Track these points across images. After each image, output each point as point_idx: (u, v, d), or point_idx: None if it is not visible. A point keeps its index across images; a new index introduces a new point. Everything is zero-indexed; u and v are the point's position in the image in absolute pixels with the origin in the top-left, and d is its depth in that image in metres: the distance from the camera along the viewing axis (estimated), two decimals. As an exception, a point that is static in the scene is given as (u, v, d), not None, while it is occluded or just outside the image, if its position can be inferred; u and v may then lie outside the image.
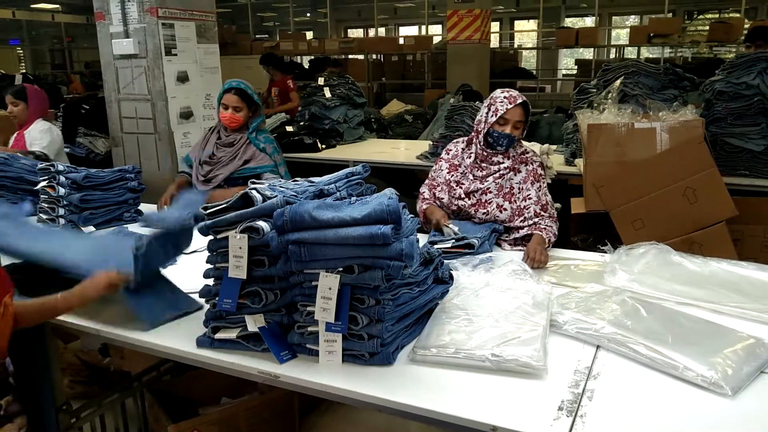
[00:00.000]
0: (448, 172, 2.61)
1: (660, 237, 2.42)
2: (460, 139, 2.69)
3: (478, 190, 2.53)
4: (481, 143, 2.52)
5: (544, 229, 2.41)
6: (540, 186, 2.53)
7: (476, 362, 1.50)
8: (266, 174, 3.10)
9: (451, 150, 2.67)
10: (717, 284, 1.92)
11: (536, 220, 2.45)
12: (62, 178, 2.72)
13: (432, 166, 2.76)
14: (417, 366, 1.54)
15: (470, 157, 2.56)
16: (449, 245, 2.29)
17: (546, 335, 1.60)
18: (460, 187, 2.55)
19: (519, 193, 2.51)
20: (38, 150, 3.66)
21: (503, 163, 2.52)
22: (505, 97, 2.46)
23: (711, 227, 2.85)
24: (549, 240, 2.40)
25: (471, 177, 2.55)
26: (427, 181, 2.71)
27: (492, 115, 2.46)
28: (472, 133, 2.59)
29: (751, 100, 3.45)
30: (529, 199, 2.49)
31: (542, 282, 1.89)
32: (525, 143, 2.78)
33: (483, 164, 2.54)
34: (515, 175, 2.53)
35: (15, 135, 3.90)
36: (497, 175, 2.52)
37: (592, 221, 3.23)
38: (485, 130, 2.49)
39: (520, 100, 2.45)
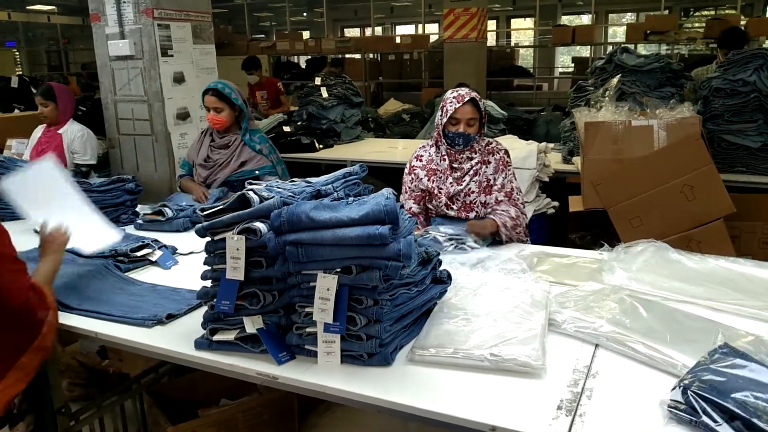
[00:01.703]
0: (428, 180, 2.61)
1: (658, 234, 2.42)
2: (427, 143, 2.69)
3: (459, 192, 2.56)
4: (445, 145, 2.57)
5: (499, 214, 2.48)
6: (506, 174, 2.58)
7: (475, 362, 1.50)
8: (266, 176, 3.10)
9: (422, 156, 2.66)
10: (715, 281, 1.92)
11: (495, 207, 2.52)
12: None
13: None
14: (415, 366, 1.53)
15: (444, 160, 2.59)
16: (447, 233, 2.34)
17: (544, 334, 1.60)
18: (441, 193, 2.58)
19: (494, 183, 2.57)
20: (83, 164, 3.77)
21: (473, 158, 2.57)
22: (453, 97, 2.51)
23: (709, 224, 2.86)
24: (503, 223, 2.46)
25: (450, 180, 2.57)
26: (407, 194, 2.67)
27: (443, 117, 2.51)
28: (434, 137, 2.63)
29: (747, 97, 3.45)
30: (495, 186, 2.56)
31: (540, 281, 1.89)
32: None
33: (454, 165, 2.58)
34: (487, 167, 2.58)
35: (42, 129, 3.90)
36: (472, 172, 2.56)
37: (589, 219, 3.23)
38: (443, 133, 2.54)
39: (468, 98, 2.49)
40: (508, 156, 2.65)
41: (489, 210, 2.54)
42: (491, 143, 2.64)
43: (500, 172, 2.57)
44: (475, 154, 2.57)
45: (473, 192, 2.55)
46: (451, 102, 2.50)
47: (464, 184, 2.56)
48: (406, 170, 2.69)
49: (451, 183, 2.57)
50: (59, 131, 3.83)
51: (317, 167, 5.08)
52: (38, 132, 3.94)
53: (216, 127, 3.15)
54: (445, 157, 2.58)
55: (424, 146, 2.68)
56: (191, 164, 3.31)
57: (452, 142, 2.53)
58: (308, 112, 5.28)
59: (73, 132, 3.84)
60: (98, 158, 4.03)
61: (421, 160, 2.65)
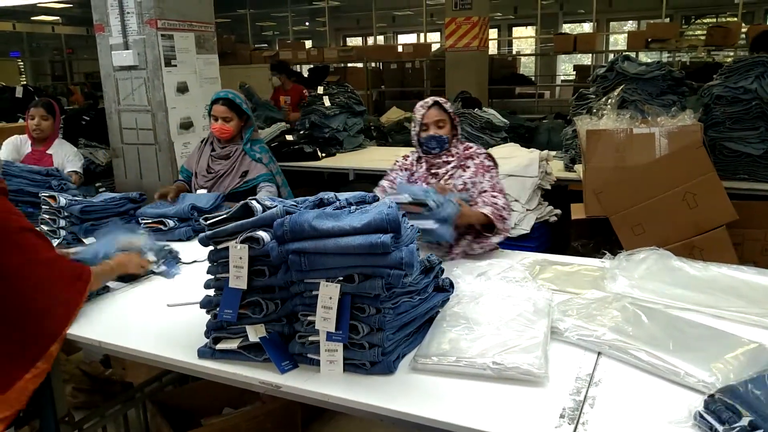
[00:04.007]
0: (404, 175, 2.65)
1: (660, 242, 2.42)
2: (414, 149, 2.70)
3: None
4: (420, 151, 2.61)
5: (486, 203, 2.39)
6: (491, 176, 2.53)
7: (477, 370, 1.50)
8: (262, 183, 3.10)
9: (408, 157, 2.71)
10: (718, 289, 1.92)
11: (485, 198, 2.43)
12: (62, 200, 2.72)
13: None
14: (418, 374, 1.53)
15: (422, 166, 2.62)
16: (405, 201, 2.17)
17: (547, 342, 1.60)
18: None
19: (472, 187, 2.51)
20: (72, 170, 3.70)
21: (450, 162, 2.57)
22: (420, 106, 2.59)
23: (711, 232, 2.86)
24: (493, 214, 2.35)
25: (425, 185, 2.55)
26: (384, 179, 2.69)
27: (416, 126, 2.58)
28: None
29: (749, 105, 3.46)
30: (484, 188, 2.49)
31: (543, 289, 1.89)
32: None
33: (432, 170, 2.59)
34: (464, 171, 2.54)
35: (28, 144, 3.83)
36: (447, 176, 2.55)
37: (592, 227, 3.23)
38: (417, 141, 2.59)
39: (431, 102, 2.56)
40: (491, 160, 2.60)
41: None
42: (471, 147, 2.62)
43: (483, 176, 2.52)
44: (452, 158, 2.57)
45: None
46: (418, 111, 2.58)
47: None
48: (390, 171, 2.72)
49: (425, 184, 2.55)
50: (49, 151, 3.77)
51: (320, 176, 5.10)
52: (26, 146, 3.83)
53: (223, 137, 3.14)
54: (423, 164, 2.61)
55: (413, 151, 2.70)
56: (190, 172, 3.31)
57: (427, 146, 2.56)
58: (311, 121, 5.30)
59: (64, 152, 3.81)
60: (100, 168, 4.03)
61: (406, 159, 2.69)
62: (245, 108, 3.12)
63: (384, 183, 2.68)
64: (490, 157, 2.62)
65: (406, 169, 2.66)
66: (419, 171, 2.62)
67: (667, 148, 3.04)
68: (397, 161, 2.72)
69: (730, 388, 1.26)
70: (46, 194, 2.78)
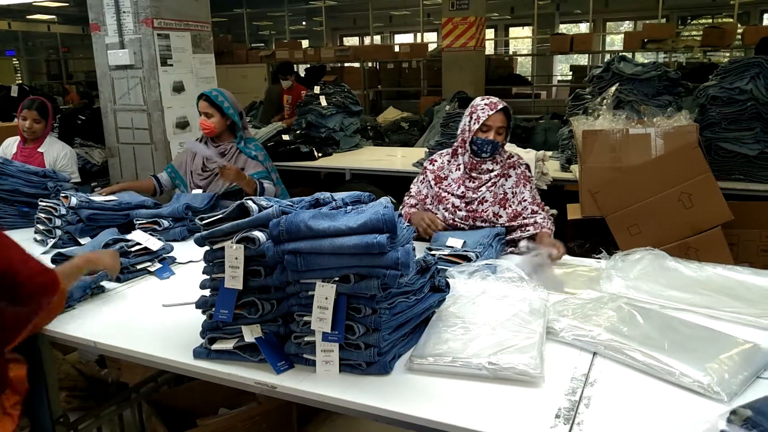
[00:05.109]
0: (435, 184, 2.57)
1: (656, 242, 2.43)
2: (444, 151, 2.66)
3: (472, 200, 2.51)
4: (468, 153, 2.52)
5: (545, 225, 2.46)
6: (531, 187, 2.57)
7: (473, 370, 1.50)
8: (261, 181, 3.11)
9: (436, 161, 2.63)
10: (713, 289, 1.93)
11: (537, 218, 2.48)
12: (74, 200, 2.71)
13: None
14: (414, 375, 1.53)
15: (459, 169, 2.54)
16: (447, 253, 2.27)
17: (542, 342, 1.60)
18: (451, 195, 2.53)
19: (513, 197, 2.52)
20: (75, 182, 3.64)
21: (493, 170, 2.52)
22: (486, 104, 2.46)
23: (707, 232, 2.87)
24: (549, 231, 2.47)
25: (463, 188, 2.52)
26: (412, 193, 2.65)
27: (474, 123, 2.46)
28: (455, 145, 2.58)
29: (744, 105, 3.47)
30: (525, 201, 2.52)
31: (538, 289, 1.89)
32: (508, 147, 2.76)
33: (473, 174, 2.53)
34: (506, 180, 2.54)
35: (16, 144, 3.80)
36: (489, 183, 2.52)
37: (588, 227, 3.24)
38: (470, 139, 2.49)
39: (500, 106, 2.46)
40: (529, 170, 2.62)
41: (517, 223, 2.49)
42: (513, 156, 2.60)
43: (524, 186, 2.54)
44: (496, 165, 2.53)
45: (486, 201, 2.50)
46: (482, 109, 2.45)
47: (479, 193, 2.50)
48: (420, 171, 2.69)
49: (464, 191, 2.51)
50: (39, 149, 3.71)
51: (316, 175, 5.10)
52: (12, 147, 3.78)
53: (205, 132, 3.18)
54: (461, 166, 2.54)
55: (441, 153, 2.66)
56: (176, 169, 3.30)
57: (480, 149, 2.48)
58: (307, 121, 5.30)
59: (56, 150, 3.74)
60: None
61: (433, 164, 2.62)
62: (225, 107, 3.12)
63: (413, 190, 2.64)
64: (528, 167, 2.63)
65: (436, 178, 2.58)
66: (454, 173, 2.55)
67: (663, 149, 3.05)
68: (426, 168, 2.63)
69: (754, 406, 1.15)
70: (58, 199, 2.77)
